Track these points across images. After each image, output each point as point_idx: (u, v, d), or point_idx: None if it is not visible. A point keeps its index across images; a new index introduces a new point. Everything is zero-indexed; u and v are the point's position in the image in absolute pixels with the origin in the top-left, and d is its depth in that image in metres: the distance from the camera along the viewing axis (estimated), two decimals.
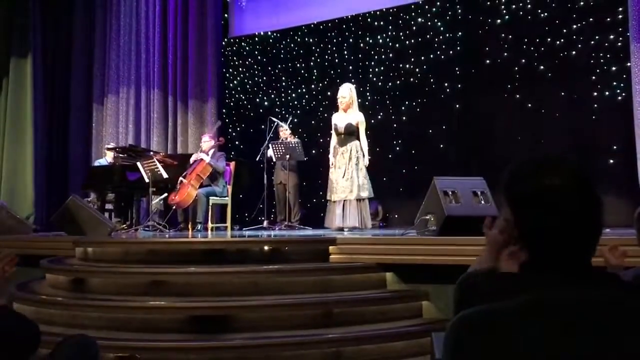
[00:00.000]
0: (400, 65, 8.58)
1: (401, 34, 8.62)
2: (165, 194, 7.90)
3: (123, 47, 9.91)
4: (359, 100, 6.88)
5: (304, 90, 9.31)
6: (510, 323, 1.02)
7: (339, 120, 6.61)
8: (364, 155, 6.48)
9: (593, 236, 1.10)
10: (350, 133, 6.52)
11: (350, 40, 9.03)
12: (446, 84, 8.23)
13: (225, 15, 9.84)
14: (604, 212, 1.12)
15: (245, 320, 4.06)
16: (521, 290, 1.06)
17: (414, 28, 8.53)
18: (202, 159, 7.40)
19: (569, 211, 1.07)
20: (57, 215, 6.41)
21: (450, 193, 4.89)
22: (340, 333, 3.99)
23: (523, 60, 7.68)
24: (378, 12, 8.80)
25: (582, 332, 0.98)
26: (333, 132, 6.67)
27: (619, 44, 7.02)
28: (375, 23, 8.82)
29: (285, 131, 7.85)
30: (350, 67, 8.96)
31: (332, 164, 6.56)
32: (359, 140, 6.52)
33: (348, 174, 6.39)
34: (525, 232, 1.12)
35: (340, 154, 6.52)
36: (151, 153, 8.04)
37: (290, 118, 8.27)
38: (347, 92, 6.64)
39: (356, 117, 6.58)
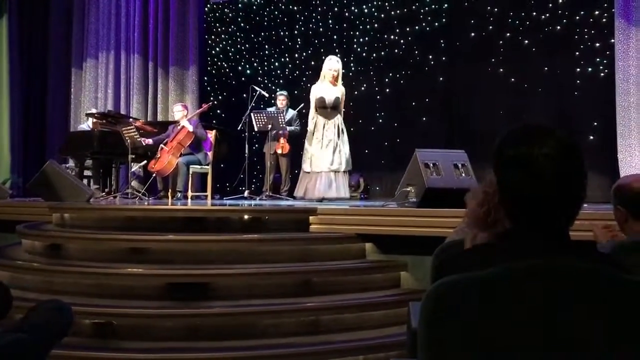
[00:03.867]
0: (385, 36, 8.49)
1: (386, 4, 8.50)
2: (145, 161, 7.81)
3: (102, 10, 9.64)
4: (343, 70, 6.83)
5: (287, 59, 9.19)
6: (487, 292, 1.01)
7: (327, 93, 6.50)
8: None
9: (574, 206, 1.10)
10: (336, 107, 6.50)
11: (335, 9, 8.89)
12: (430, 56, 8.17)
13: None
14: (586, 184, 1.12)
15: (224, 288, 4.06)
16: (499, 260, 1.05)
17: None
18: (184, 127, 7.30)
19: (552, 177, 1.06)
20: (34, 181, 6.30)
21: (431, 165, 4.90)
22: (319, 302, 4.01)
23: (508, 34, 7.64)
24: None
25: (561, 301, 0.98)
26: (314, 104, 6.57)
27: (604, 20, 7.01)
28: None
29: (283, 100, 7.70)
30: (335, 37, 8.84)
31: (316, 138, 6.50)
32: (340, 114, 6.55)
33: (336, 146, 6.40)
34: (507, 198, 1.12)
35: (328, 128, 6.47)
36: (131, 119, 7.90)
37: (274, 88, 8.15)
38: (339, 65, 6.57)
39: (341, 90, 6.57)
